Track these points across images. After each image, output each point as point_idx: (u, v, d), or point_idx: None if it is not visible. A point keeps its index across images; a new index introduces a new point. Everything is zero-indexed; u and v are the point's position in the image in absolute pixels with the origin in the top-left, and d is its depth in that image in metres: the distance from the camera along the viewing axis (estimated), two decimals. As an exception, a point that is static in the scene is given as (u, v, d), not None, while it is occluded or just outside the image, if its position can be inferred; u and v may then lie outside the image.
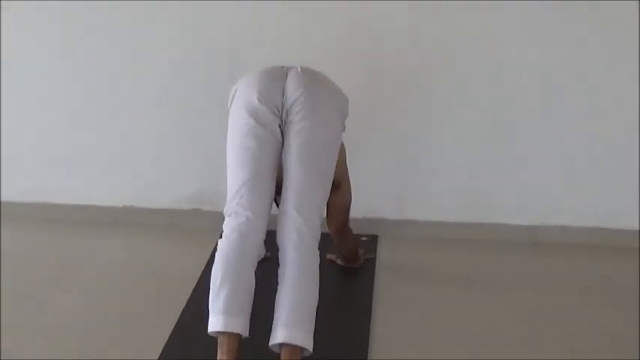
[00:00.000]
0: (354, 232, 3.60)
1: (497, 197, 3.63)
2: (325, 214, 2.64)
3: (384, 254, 3.54)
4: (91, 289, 3.24)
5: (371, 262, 3.42)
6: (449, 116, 3.54)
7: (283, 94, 2.62)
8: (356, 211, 3.65)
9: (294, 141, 2.59)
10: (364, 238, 3.65)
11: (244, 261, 2.48)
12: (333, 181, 2.87)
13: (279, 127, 2.63)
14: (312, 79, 2.69)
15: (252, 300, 2.47)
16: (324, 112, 2.65)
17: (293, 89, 2.62)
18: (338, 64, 3.30)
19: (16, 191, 3.89)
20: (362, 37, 3.44)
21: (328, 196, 2.66)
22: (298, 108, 2.60)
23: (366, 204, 3.69)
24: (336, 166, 2.83)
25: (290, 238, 2.51)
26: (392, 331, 2.91)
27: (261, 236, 2.55)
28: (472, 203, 3.66)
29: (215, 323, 2.40)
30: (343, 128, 2.79)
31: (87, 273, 3.39)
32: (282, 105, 2.62)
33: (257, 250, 2.53)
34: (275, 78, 2.66)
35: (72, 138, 3.80)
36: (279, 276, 2.51)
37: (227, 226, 2.55)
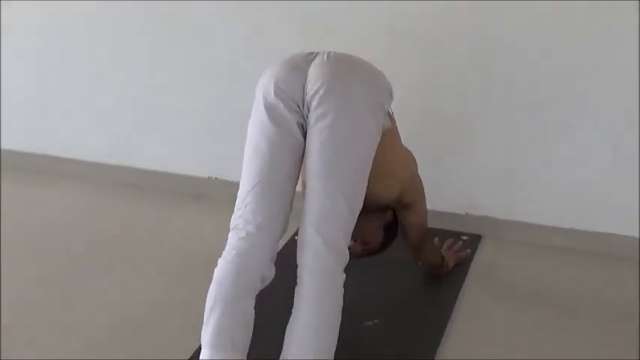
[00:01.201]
0: (456, 228, 3.24)
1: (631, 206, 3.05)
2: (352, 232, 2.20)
3: (484, 258, 3.09)
4: (154, 261, 3.06)
5: (464, 267, 2.98)
6: (583, 104, 2.99)
7: (304, 86, 2.18)
8: (457, 205, 3.25)
9: (313, 144, 2.14)
10: (465, 238, 3.22)
11: (238, 286, 2.06)
12: (402, 200, 2.50)
13: (302, 126, 2.19)
14: (339, 66, 2.22)
15: (248, 332, 2.05)
16: (349, 107, 2.15)
17: (313, 80, 2.16)
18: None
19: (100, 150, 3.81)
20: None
21: (360, 207, 2.20)
22: (317, 102, 2.13)
23: (470, 198, 3.28)
24: (404, 182, 2.45)
25: (305, 262, 2.08)
26: (466, 354, 2.47)
27: (265, 255, 2.11)
28: (597, 209, 3.11)
29: (202, 357, 2.04)
30: (387, 121, 2.32)
31: (155, 243, 3.22)
32: (304, 100, 2.17)
33: (259, 273, 2.09)
34: (297, 67, 2.21)
35: (155, 105, 3.65)
36: (294, 301, 2.10)
37: (228, 242, 2.15)
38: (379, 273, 2.83)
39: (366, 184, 2.19)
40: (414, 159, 2.59)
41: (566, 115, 3.01)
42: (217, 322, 2.01)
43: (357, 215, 2.18)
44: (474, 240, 3.21)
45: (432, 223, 3.20)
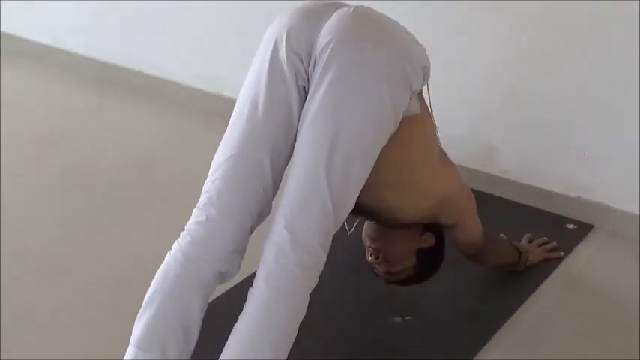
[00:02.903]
0: (563, 213, 2.69)
1: None
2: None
3: (586, 255, 2.51)
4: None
5: (550, 265, 2.42)
6: None
7: (315, 39, 1.73)
8: (569, 186, 2.68)
9: (306, 113, 1.71)
10: (570, 226, 2.66)
11: (185, 280, 1.69)
12: (440, 221, 1.99)
13: (305, 89, 1.75)
14: (361, 23, 1.75)
15: (187, 338, 1.69)
16: (358, 70, 1.70)
17: (325, 33, 1.72)
18: None
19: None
20: None
21: (350, 204, 1.74)
22: (321, 63, 1.70)
23: (586, 179, 2.67)
24: (436, 200, 1.92)
25: (265, 259, 1.68)
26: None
27: (226, 247, 1.72)
28: None
29: (126, 356, 1.69)
30: (414, 105, 1.82)
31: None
32: (310, 56, 1.73)
33: (214, 267, 1.71)
34: (316, 16, 1.77)
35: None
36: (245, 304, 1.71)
37: (189, 221, 1.78)
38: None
39: (365, 178, 1.75)
40: (456, 171, 2.04)
41: None
42: (150, 318, 1.68)
43: (344, 213, 1.74)
44: (582, 230, 2.62)
45: (535, 203, 2.72)
